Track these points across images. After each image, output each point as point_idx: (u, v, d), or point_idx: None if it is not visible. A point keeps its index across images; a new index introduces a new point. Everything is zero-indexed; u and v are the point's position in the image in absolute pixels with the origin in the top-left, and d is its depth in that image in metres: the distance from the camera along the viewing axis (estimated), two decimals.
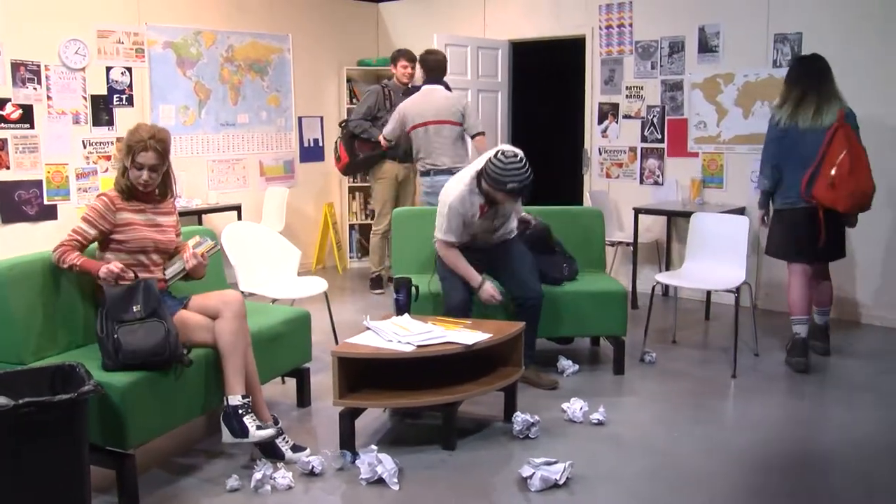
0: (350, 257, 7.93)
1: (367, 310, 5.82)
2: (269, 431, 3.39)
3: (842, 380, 4.55)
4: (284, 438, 3.50)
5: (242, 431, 3.32)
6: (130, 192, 3.48)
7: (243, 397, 3.36)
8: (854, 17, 5.54)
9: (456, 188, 4.18)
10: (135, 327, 3.14)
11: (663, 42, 6.42)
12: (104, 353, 3.17)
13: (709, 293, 5.93)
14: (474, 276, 4.26)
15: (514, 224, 4.50)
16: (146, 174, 3.43)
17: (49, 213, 5.91)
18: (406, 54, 6.57)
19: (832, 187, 4.44)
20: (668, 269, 6.40)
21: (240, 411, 3.33)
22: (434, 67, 6.07)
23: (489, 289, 4.25)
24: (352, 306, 6.27)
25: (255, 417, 3.38)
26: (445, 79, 6.22)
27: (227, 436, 3.35)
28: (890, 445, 3.68)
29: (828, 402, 4.23)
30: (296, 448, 3.50)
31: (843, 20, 5.59)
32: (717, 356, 5.00)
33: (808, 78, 4.62)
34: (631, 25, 6.58)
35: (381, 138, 6.38)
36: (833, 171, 4.43)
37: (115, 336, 3.11)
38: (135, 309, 3.20)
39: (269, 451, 3.46)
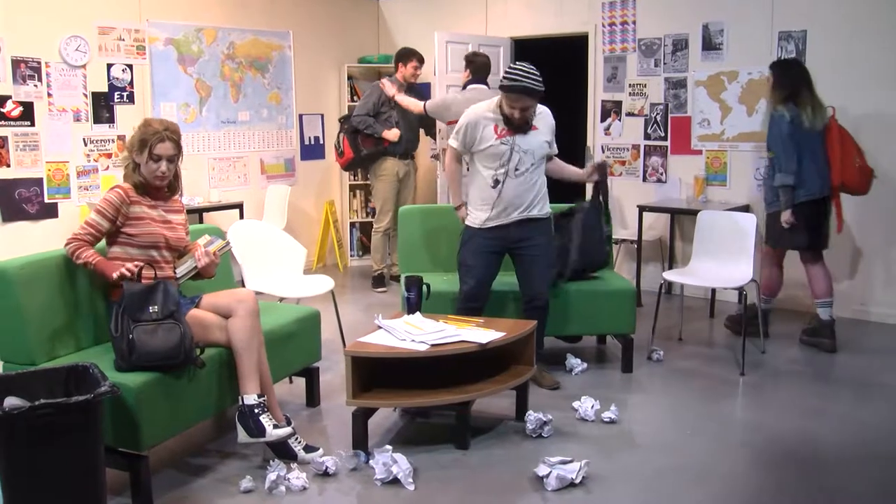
0: (351, 255, 7.90)
1: (371, 308, 5.81)
2: (287, 430, 3.37)
3: (851, 378, 4.55)
4: (297, 439, 3.47)
5: (259, 431, 3.30)
6: (144, 189, 3.45)
7: (259, 396, 3.34)
8: (858, 14, 5.54)
9: (482, 103, 4.27)
10: (151, 328, 3.11)
11: (667, 39, 6.41)
12: (117, 353, 3.13)
13: (713, 291, 5.92)
14: (457, 198, 4.44)
15: (544, 200, 4.29)
16: (165, 165, 3.41)
17: (50, 211, 5.85)
18: (418, 55, 6.62)
19: (862, 172, 4.90)
20: (671, 266, 6.40)
21: (256, 410, 3.31)
22: (480, 67, 6.11)
23: (463, 213, 4.39)
24: (355, 305, 6.24)
25: (271, 416, 3.36)
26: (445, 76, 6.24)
27: (242, 436, 3.32)
28: None
29: (838, 400, 4.23)
30: (308, 448, 3.47)
31: (847, 17, 5.58)
32: (724, 354, 5.00)
33: (807, 80, 4.97)
34: (634, 23, 6.56)
35: (385, 133, 6.46)
36: (857, 160, 4.89)
37: (130, 336, 3.07)
38: (152, 310, 3.16)
39: (282, 451, 3.43)
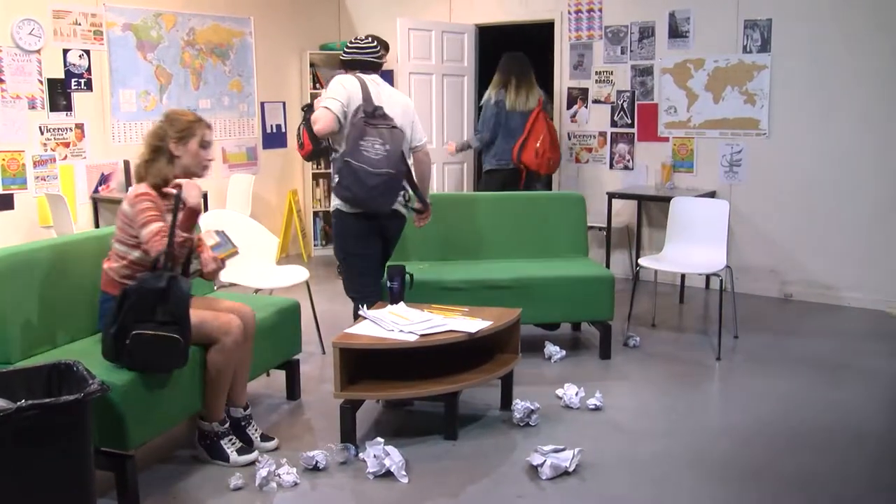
0: (314, 244, 7.79)
1: (339, 298, 5.70)
2: (253, 455, 3.33)
3: (826, 361, 4.62)
4: (231, 440, 3.36)
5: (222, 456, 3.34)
6: (159, 190, 3.22)
7: (221, 423, 3.36)
8: (823, 5, 5.63)
9: None
10: (148, 338, 2.94)
11: (633, 27, 6.43)
12: (110, 350, 2.99)
13: (683, 276, 5.99)
14: None
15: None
16: (211, 153, 3.36)
17: (5, 202, 5.63)
18: (382, 42, 6.45)
19: (537, 156, 5.97)
20: (639, 253, 6.44)
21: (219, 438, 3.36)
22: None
23: None
24: (322, 294, 6.12)
25: (232, 440, 3.36)
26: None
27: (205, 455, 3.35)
28: (881, 423, 3.77)
29: (816, 383, 4.29)
30: (242, 450, 3.35)
31: (811, 6, 5.67)
32: (698, 339, 5.05)
33: (519, 71, 6.02)
34: (601, 10, 6.57)
35: None
36: (538, 145, 5.94)
37: (127, 342, 2.93)
38: (159, 311, 2.98)
39: (216, 452, 3.33)
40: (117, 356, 2.98)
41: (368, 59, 4.12)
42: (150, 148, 3.27)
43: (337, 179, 3.97)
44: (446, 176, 7.11)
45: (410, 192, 4.14)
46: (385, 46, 6.52)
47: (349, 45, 4.17)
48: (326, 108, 3.89)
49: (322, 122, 3.89)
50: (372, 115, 3.90)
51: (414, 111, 4.20)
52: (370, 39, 4.19)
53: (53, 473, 2.51)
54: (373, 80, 4.05)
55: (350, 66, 4.12)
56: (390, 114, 3.97)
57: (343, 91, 3.94)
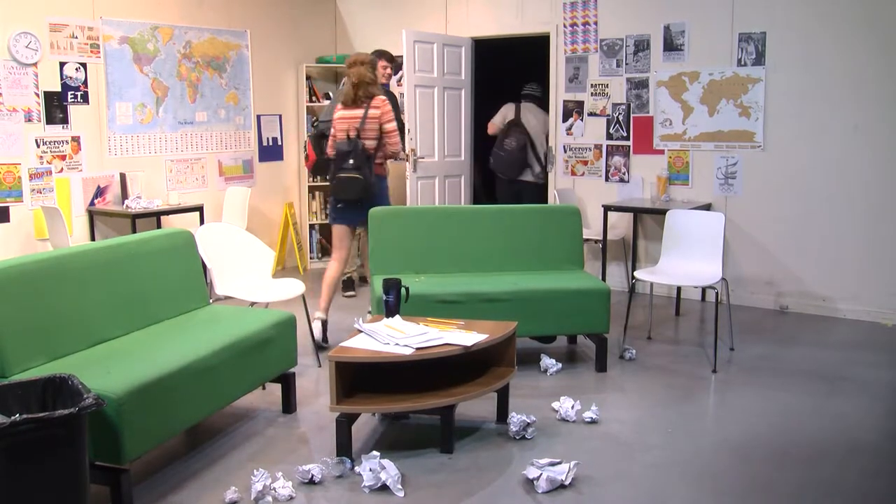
0: (311, 258, 7.79)
1: (335, 312, 5.72)
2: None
3: (822, 372, 4.63)
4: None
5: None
6: None
7: None
8: (817, 18, 5.67)
9: None
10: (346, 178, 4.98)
11: (629, 40, 6.46)
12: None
13: (678, 289, 5.99)
14: None
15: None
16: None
17: (1, 215, 5.62)
18: (385, 54, 6.47)
19: None
20: (635, 265, 6.45)
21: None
22: None
23: None
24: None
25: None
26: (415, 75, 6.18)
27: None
28: (878, 435, 3.77)
29: (813, 394, 4.29)
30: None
31: (806, 20, 5.71)
32: (694, 351, 5.05)
33: None
34: (596, 23, 6.61)
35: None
36: None
37: (334, 182, 4.93)
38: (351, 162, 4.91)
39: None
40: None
41: (529, 93, 7.05)
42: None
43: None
44: (446, 188, 7.12)
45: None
46: (388, 58, 6.53)
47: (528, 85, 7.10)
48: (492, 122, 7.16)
49: (490, 128, 7.19)
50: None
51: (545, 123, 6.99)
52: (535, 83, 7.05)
53: (48, 488, 2.51)
54: (525, 106, 7.02)
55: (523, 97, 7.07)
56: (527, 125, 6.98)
57: (503, 111, 7.13)
